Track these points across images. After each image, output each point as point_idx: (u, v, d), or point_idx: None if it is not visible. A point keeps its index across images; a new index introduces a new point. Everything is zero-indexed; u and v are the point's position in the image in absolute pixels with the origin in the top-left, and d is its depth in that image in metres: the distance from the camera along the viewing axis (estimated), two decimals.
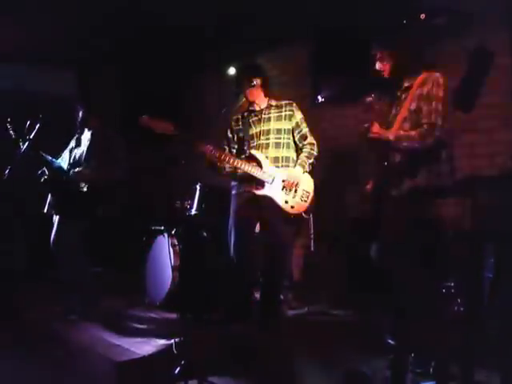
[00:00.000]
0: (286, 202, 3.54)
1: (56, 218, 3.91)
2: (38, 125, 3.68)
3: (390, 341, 2.98)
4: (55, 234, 3.87)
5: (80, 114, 4.01)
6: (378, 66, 3.08)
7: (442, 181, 2.90)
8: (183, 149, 3.52)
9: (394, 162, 3.03)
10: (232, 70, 5.67)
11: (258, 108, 3.73)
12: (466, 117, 4.02)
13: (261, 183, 3.55)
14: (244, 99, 3.71)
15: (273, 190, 3.54)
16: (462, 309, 3.28)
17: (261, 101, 3.72)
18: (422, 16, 4.06)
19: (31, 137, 3.65)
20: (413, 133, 2.90)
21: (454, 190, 2.96)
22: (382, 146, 3.00)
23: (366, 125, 2.96)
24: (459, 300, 3.32)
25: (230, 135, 3.81)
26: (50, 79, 5.77)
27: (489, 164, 4.12)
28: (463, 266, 3.18)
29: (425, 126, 2.86)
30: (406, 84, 3.02)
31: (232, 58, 5.63)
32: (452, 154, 2.97)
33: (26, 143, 3.63)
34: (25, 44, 5.24)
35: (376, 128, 2.94)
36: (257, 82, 3.61)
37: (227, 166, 3.59)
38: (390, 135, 2.93)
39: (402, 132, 2.94)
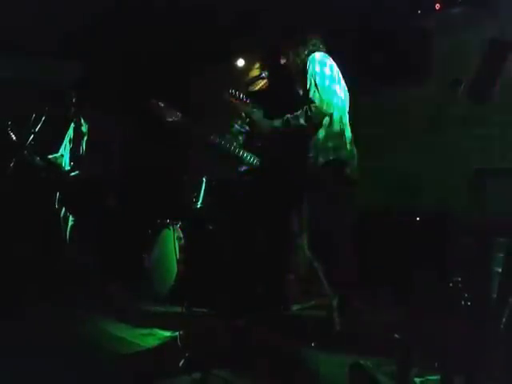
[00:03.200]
0: None
1: (64, 215, 3.93)
2: (44, 118, 3.67)
3: (395, 335, 2.96)
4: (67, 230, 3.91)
5: (74, 100, 3.94)
6: None
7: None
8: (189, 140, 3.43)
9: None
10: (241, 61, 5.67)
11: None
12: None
13: None
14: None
15: None
16: (469, 303, 3.24)
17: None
18: (437, 6, 3.99)
19: (36, 130, 3.65)
20: (299, 112, 2.93)
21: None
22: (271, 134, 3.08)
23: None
24: (466, 295, 3.28)
25: (240, 122, 3.54)
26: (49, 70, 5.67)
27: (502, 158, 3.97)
28: (472, 261, 3.13)
29: (308, 104, 2.91)
30: None
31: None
32: None
33: (31, 137, 3.63)
34: (25, 34, 5.16)
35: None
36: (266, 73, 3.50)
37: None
38: (276, 122, 3.01)
39: (288, 115, 2.98)
